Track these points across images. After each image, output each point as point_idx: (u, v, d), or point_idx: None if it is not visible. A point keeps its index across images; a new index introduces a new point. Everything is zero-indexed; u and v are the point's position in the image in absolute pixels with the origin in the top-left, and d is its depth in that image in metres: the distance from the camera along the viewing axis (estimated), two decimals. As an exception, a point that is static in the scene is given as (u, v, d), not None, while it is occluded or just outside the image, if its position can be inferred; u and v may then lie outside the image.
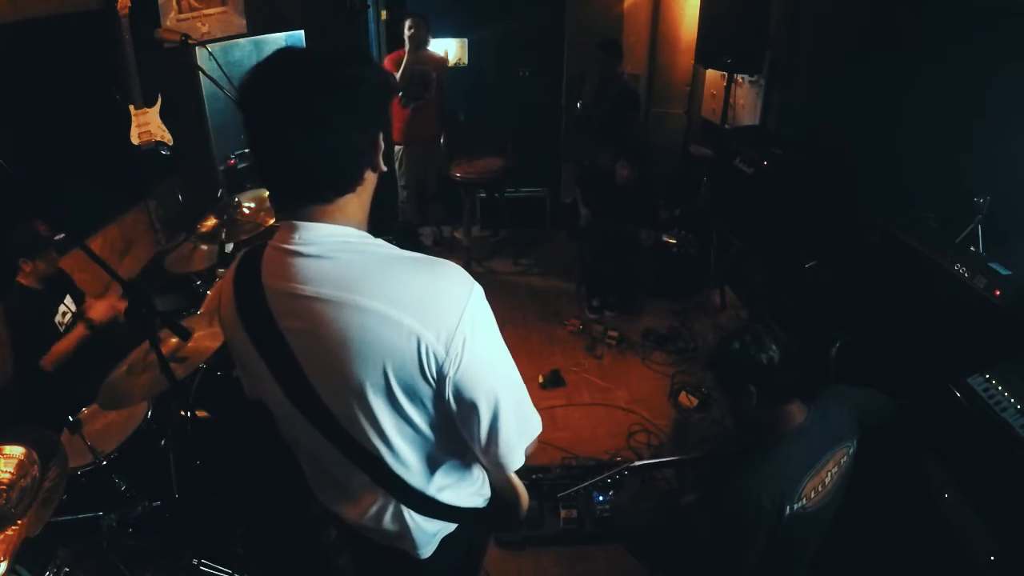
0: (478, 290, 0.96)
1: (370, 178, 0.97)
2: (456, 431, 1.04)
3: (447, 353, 0.92)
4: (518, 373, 1.05)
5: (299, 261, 0.94)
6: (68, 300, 2.41)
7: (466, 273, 0.98)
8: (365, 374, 0.93)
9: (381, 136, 0.95)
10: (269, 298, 0.97)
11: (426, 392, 0.97)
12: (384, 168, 0.98)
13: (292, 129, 0.86)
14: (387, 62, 4.24)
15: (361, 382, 0.94)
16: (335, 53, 0.91)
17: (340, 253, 0.93)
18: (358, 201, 0.96)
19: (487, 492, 1.28)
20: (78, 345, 2.24)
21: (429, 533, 1.19)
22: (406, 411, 0.99)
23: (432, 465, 1.11)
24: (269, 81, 0.87)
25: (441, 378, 0.94)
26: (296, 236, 0.94)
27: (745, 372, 1.53)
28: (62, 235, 2.22)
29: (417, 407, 0.99)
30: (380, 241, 0.98)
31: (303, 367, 0.98)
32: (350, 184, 0.93)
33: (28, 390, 2.24)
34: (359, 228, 0.97)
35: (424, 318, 0.91)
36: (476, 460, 1.19)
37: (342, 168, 0.92)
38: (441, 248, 4.94)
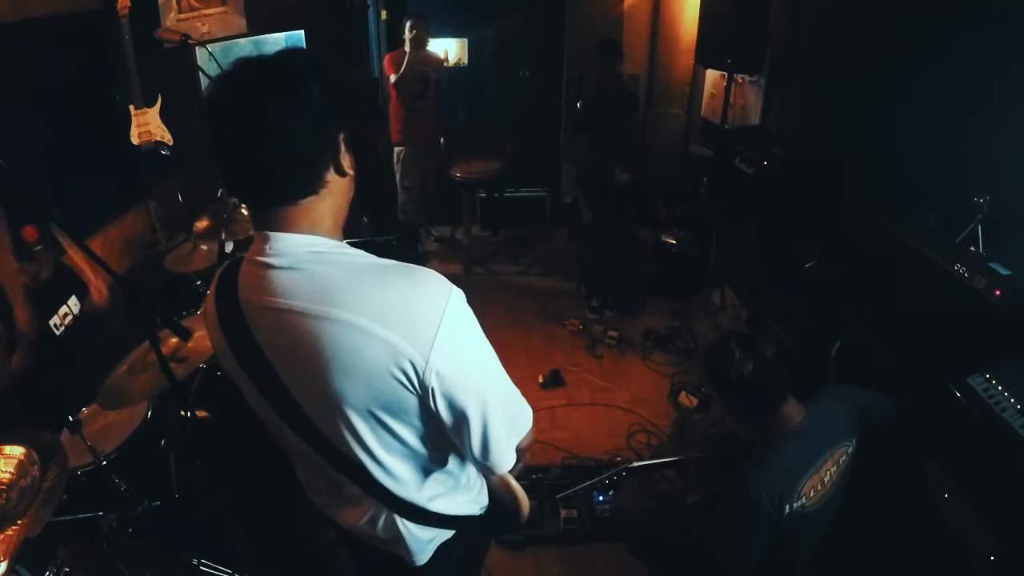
0: (456, 294, 0.94)
1: (335, 180, 0.94)
2: (444, 440, 1.03)
3: (428, 363, 0.90)
4: (504, 372, 1.03)
5: (271, 274, 0.93)
6: (72, 300, 2.41)
7: (443, 279, 0.95)
8: (344, 388, 0.92)
9: (342, 137, 0.93)
10: (246, 312, 0.97)
11: (410, 403, 0.95)
12: (351, 172, 0.96)
13: (239, 131, 0.86)
14: (386, 61, 4.25)
15: (340, 395, 0.93)
16: (285, 55, 0.92)
17: (310, 264, 0.92)
18: (324, 206, 0.94)
19: (484, 500, 1.27)
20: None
21: (423, 540, 1.18)
22: (388, 424, 0.97)
23: (421, 475, 1.10)
24: (220, 87, 0.88)
25: (425, 389, 0.92)
26: (267, 247, 0.93)
27: (720, 385, 1.58)
28: (40, 247, 2.21)
29: (400, 419, 0.98)
30: (353, 250, 0.96)
31: (284, 381, 0.97)
32: (308, 186, 0.91)
33: (25, 391, 2.24)
34: (330, 235, 0.95)
35: (401, 329, 0.89)
36: (470, 468, 1.19)
37: (294, 169, 0.89)
38: (441, 248, 4.94)
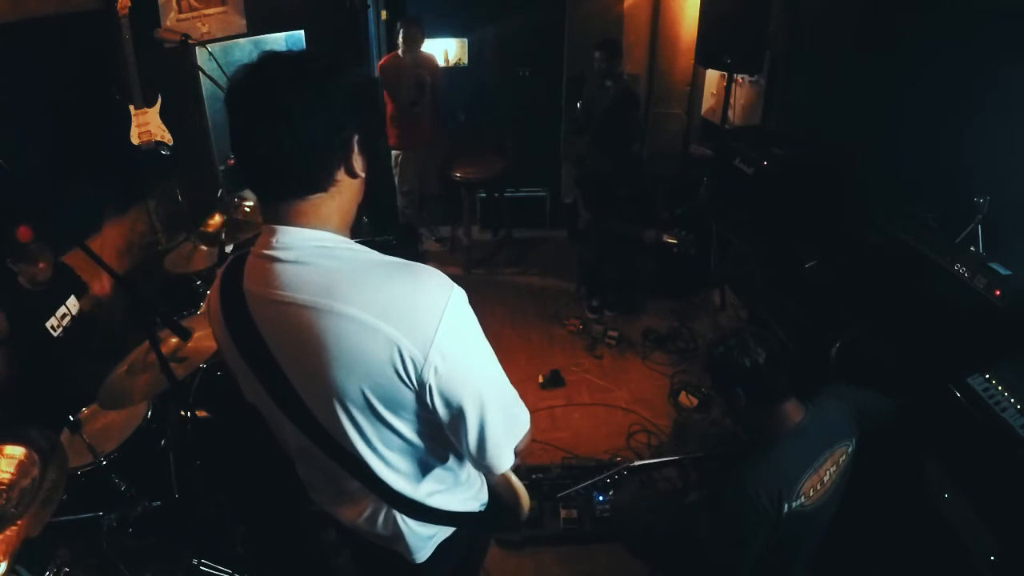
0: (457, 293, 0.95)
1: (345, 181, 0.96)
2: (443, 437, 1.03)
3: (426, 360, 0.91)
4: (503, 373, 1.04)
5: (277, 267, 0.94)
6: (71, 301, 2.41)
7: (445, 277, 0.97)
8: (344, 381, 0.93)
9: (356, 139, 0.95)
10: (250, 304, 0.98)
11: (408, 399, 0.96)
12: (362, 174, 0.98)
13: (258, 123, 0.88)
14: (378, 67, 4.23)
15: (341, 389, 0.94)
16: (310, 54, 0.94)
17: (317, 259, 0.93)
18: (333, 204, 0.96)
19: (484, 496, 1.27)
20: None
21: (423, 537, 1.18)
22: (387, 418, 0.98)
23: (422, 470, 1.11)
24: (244, 78, 0.90)
25: (422, 385, 0.93)
26: (274, 241, 0.94)
27: (731, 375, 1.56)
28: (35, 244, 2.20)
29: (399, 414, 0.99)
30: (359, 246, 0.98)
31: (286, 373, 0.98)
32: (319, 182, 0.93)
33: (26, 391, 2.24)
34: (337, 233, 0.97)
35: (402, 325, 0.90)
36: (470, 464, 1.19)
37: (307, 164, 0.91)
38: (442, 248, 4.94)
